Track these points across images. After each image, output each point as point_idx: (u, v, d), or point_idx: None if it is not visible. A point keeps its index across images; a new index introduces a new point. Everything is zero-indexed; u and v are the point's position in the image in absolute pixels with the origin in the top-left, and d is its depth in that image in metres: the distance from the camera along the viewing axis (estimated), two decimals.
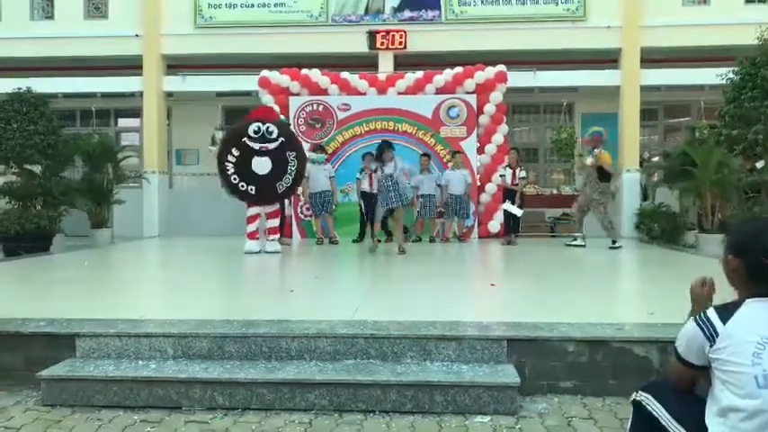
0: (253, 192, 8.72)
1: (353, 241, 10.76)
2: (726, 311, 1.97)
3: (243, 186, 8.69)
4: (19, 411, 3.54)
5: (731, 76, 9.69)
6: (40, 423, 3.38)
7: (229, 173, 8.66)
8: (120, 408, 3.56)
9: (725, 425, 1.91)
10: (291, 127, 10.27)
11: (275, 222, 9.17)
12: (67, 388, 3.64)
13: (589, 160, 9.50)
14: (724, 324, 1.94)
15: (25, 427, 3.33)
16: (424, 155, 10.92)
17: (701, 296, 2.25)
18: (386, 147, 8.77)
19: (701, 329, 1.98)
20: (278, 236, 9.27)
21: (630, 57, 12.02)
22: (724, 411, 1.91)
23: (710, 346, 1.95)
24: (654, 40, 11.89)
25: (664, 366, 3.53)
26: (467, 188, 10.78)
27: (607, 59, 12.43)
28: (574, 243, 9.75)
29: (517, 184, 10.31)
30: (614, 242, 9.53)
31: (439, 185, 10.78)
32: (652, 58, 12.06)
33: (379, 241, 9.54)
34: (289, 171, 8.71)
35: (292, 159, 8.72)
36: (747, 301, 1.96)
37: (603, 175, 9.46)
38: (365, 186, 10.28)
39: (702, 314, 2.01)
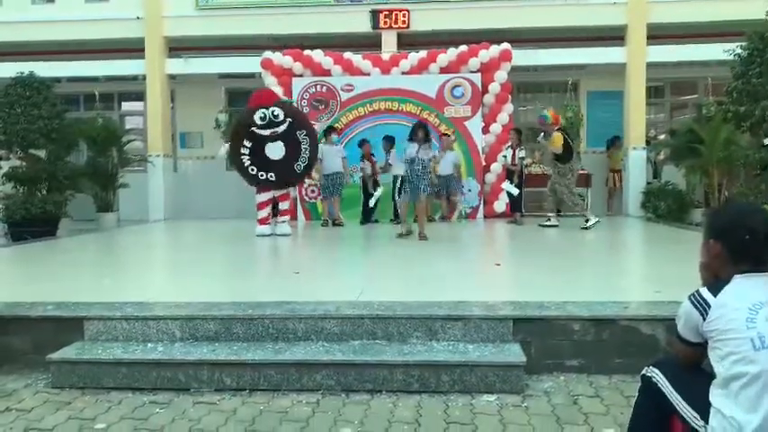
0: (273, 178, 8.71)
1: (361, 223, 10.80)
2: (716, 287, 2.06)
3: (262, 175, 8.67)
4: (29, 394, 3.58)
5: (739, 51, 9.55)
6: (50, 405, 3.42)
7: (246, 165, 8.64)
8: (129, 390, 3.59)
9: (727, 396, 1.93)
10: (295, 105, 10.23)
11: (286, 205, 9.19)
12: (77, 370, 3.67)
13: (544, 143, 9.57)
14: (715, 297, 2.02)
15: (36, 409, 3.36)
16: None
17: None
18: (419, 127, 8.27)
19: (695, 306, 2.06)
20: (288, 218, 9.28)
21: (636, 33, 11.86)
22: (726, 382, 1.95)
23: (704, 321, 2.02)
24: (660, 16, 11.73)
25: (670, 344, 3.53)
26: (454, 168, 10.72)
27: (613, 36, 12.28)
28: (547, 223, 9.58)
29: (516, 165, 10.31)
30: (587, 221, 9.30)
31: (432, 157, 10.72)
32: (658, 35, 11.91)
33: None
34: (303, 150, 8.69)
35: (303, 138, 8.69)
36: (735, 277, 2.04)
37: (559, 156, 9.39)
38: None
39: (695, 292, 2.10)
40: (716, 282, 2.09)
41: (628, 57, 12.01)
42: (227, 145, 9.17)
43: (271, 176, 8.68)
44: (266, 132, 8.50)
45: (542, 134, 9.60)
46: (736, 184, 9.87)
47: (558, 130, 9.39)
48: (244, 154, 8.59)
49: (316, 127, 9.63)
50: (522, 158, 10.40)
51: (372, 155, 10.85)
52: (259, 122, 8.49)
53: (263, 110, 8.52)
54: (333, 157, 10.32)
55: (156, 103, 12.66)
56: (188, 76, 13.18)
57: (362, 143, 10.92)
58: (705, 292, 2.06)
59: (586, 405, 3.29)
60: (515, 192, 10.32)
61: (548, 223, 9.59)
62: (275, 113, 8.53)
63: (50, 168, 10.73)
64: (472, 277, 5.71)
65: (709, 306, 2.02)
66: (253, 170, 8.65)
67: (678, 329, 2.18)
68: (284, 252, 7.94)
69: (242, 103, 12.15)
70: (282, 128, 8.54)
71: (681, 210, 10.80)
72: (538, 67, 12.69)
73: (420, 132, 8.12)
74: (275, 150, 8.57)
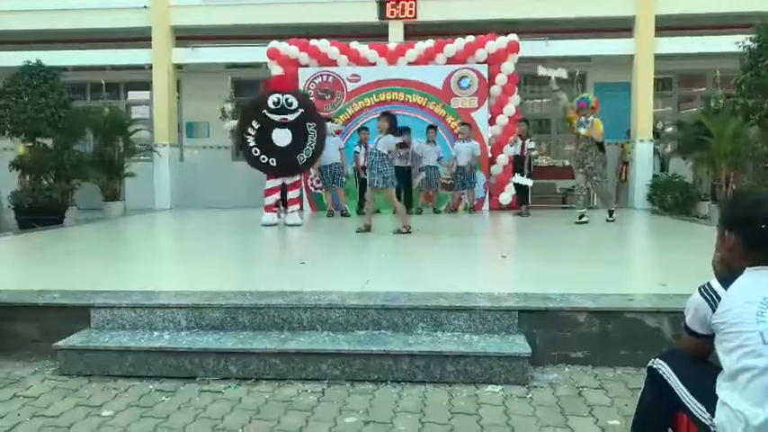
0: (274, 164, 8.70)
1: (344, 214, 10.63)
2: (728, 279, 2.03)
3: (264, 159, 8.67)
4: (36, 381, 3.61)
5: (748, 43, 9.49)
6: (57, 392, 3.44)
7: (250, 145, 8.64)
8: (136, 377, 3.62)
9: (734, 390, 1.92)
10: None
11: (296, 194, 9.18)
12: (84, 358, 3.69)
13: (582, 130, 8.89)
14: (725, 289, 2.00)
15: (43, 396, 3.39)
16: (431, 127, 10.85)
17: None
18: (382, 116, 7.99)
19: (704, 298, 2.04)
20: (297, 207, 9.26)
21: (645, 25, 11.79)
22: (733, 375, 1.93)
23: (713, 312, 2.00)
24: (669, 8, 11.64)
25: (675, 337, 3.53)
26: (472, 160, 10.67)
27: (621, 28, 12.20)
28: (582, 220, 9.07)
29: (525, 156, 10.23)
30: (611, 213, 9.22)
31: (440, 158, 10.76)
32: (667, 26, 11.83)
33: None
34: (309, 142, 8.68)
35: (312, 130, 8.68)
36: (747, 269, 2.01)
37: (599, 144, 8.99)
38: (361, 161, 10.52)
39: (706, 284, 2.07)
40: (728, 274, 2.06)
41: (636, 48, 11.95)
42: (233, 122, 9.14)
43: (272, 162, 8.69)
44: (276, 118, 8.52)
45: (583, 119, 8.86)
46: (744, 177, 9.82)
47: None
48: (249, 135, 8.60)
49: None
50: (532, 149, 10.29)
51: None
52: (272, 107, 8.50)
53: (278, 95, 8.53)
54: (328, 147, 10.27)
55: (162, 92, 12.67)
56: (195, 65, 13.18)
57: (360, 130, 10.97)
58: (716, 284, 2.04)
59: (591, 397, 3.29)
60: (530, 183, 10.22)
61: (584, 219, 8.99)
62: (289, 101, 8.54)
63: (57, 157, 10.76)
64: (478, 268, 5.71)
65: (719, 298, 2.00)
66: (256, 152, 8.65)
67: (686, 321, 2.16)
68: (290, 242, 7.95)
69: (248, 92, 12.15)
70: (294, 116, 8.54)
71: (687, 203, 10.76)
72: (545, 58, 12.62)
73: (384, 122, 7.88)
74: (282, 137, 8.58)
